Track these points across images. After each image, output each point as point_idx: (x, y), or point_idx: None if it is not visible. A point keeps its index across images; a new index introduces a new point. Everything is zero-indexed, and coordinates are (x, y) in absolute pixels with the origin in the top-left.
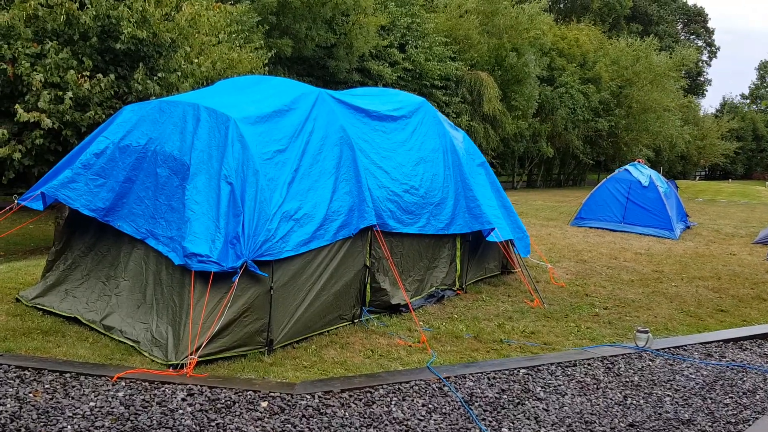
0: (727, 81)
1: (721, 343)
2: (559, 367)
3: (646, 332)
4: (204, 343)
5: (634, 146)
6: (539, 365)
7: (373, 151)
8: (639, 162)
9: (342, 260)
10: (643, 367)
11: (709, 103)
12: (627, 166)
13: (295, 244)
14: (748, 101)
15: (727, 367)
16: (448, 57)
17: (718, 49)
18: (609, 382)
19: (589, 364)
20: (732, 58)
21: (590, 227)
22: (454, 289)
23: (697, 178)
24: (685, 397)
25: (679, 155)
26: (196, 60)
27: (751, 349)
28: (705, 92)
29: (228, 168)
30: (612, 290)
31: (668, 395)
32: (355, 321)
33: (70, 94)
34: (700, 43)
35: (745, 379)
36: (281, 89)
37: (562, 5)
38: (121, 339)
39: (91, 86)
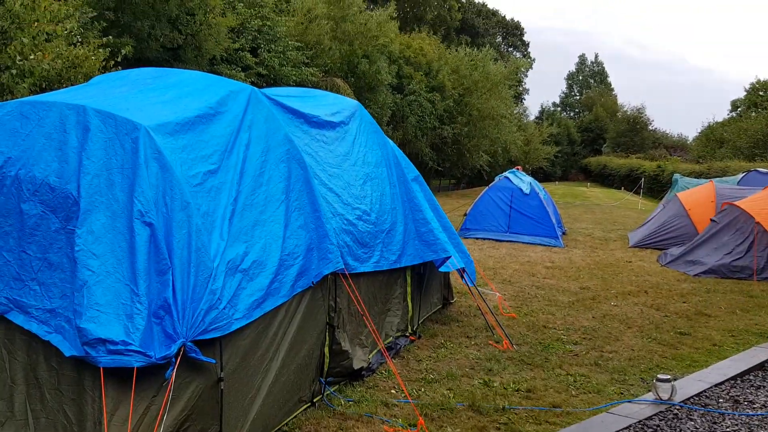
0: (538, 90)
1: (731, 382)
2: None
3: (668, 380)
4: None
5: (474, 152)
6: None
7: (319, 168)
8: (517, 169)
9: (302, 321)
10: (691, 430)
11: (528, 111)
12: (506, 174)
13: (247, 307)
14: (559, 108)
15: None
16: (302, 62)
17: (534, 60)
18: None
19: None
20: (541, 70)
21: (477, 238)
22: (407, 335)
23: None
24: None
25: (509, 160)
26: (33, 56)
27: (764, 386)
28: (524, 100)
29: (144, 201)
30: (563, 318)
31: None
32: (315, 401)
33: None
34: (518, 54)
35: None
36: (199, 85)
37: (395, 14)
38: None
39: None
